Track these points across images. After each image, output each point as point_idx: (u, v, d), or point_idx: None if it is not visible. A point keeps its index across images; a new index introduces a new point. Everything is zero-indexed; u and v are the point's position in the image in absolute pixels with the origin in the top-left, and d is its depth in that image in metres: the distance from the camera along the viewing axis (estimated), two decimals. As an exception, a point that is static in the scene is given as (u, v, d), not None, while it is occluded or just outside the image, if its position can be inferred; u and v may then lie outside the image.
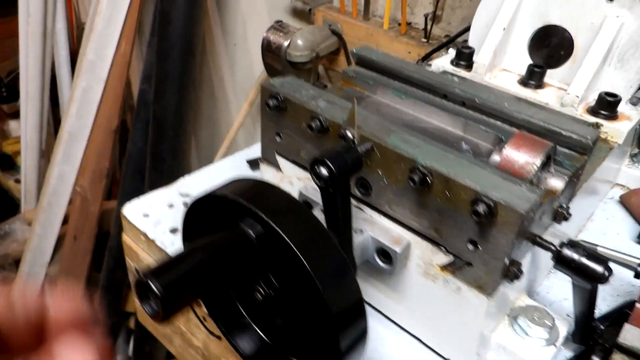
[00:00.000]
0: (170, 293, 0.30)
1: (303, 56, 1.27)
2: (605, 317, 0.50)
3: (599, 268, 0.42)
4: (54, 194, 2.01)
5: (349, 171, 0.40)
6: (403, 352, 0.49)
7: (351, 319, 0.36)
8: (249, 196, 0.36)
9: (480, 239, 0.39)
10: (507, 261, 0.39)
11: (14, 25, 2.23)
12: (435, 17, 1.23)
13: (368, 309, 0.52)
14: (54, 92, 2.29)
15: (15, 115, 2.55)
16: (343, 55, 1.38)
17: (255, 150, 0.75)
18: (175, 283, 0.30)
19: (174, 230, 0.61)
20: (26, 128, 2.21)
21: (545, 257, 0.54)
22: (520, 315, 0.48)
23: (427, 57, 1.19)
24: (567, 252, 0.43)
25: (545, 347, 0.46)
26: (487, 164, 0.43)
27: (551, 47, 0.70)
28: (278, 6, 1.59)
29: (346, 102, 0.48)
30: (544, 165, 0.44)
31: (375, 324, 0.51)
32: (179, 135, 1.63)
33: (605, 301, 0.56)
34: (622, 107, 0.66)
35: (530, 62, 0.72)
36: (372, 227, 0.45)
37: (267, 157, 0.55)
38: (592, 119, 0.64)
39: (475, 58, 0.73)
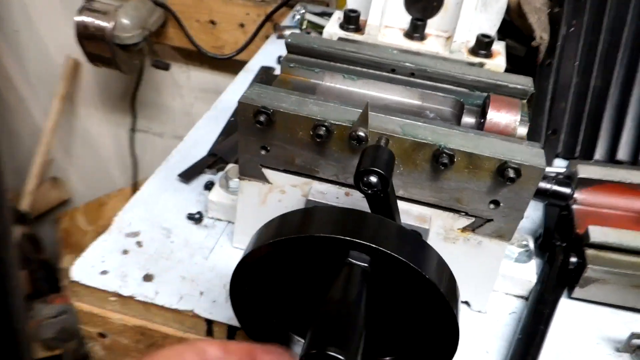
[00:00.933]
0: (354, 354, 0.29)
1: (135, 36, 1.14)
2: (553, 225, 0.63)
3: (567, 190, 0.52)
4: None
5: (391, 170, 0.41)
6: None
7: (456, 296, 0.38)
8: (339, 229, 0.35)
9: (503, 198, 0.45)
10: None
11: None
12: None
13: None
14: None
15: None
16: (172, 27, 1.27)
17: (178, 162, 0.69)
18: (358, 346, 0.29)
19: (147, 277, 0.54)
20: None
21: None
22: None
23: (269, 17, 1.18)
24: (541, 184, 0.52)
25: (529, 263, 0.57)
26: (483, 132, 0.48)
27: (424, 0, 0.78)
28: (67, -21, 1.36)
29: (331, 102, 0.48)
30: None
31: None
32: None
33: (536, 208, 0.69)
34: (494, 44, 0.78)
35: (407, 16, 0.79)
36: (395, 214, 0.48)
37: (249, 173, 0.51)
38: (476, 59, 0.75)
39: (364, 20, 0.76)
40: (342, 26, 0.77)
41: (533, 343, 0.50)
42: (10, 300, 1.55)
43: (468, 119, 0.53)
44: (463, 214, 0.48)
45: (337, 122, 0.45)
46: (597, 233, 0.53)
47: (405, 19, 0.78)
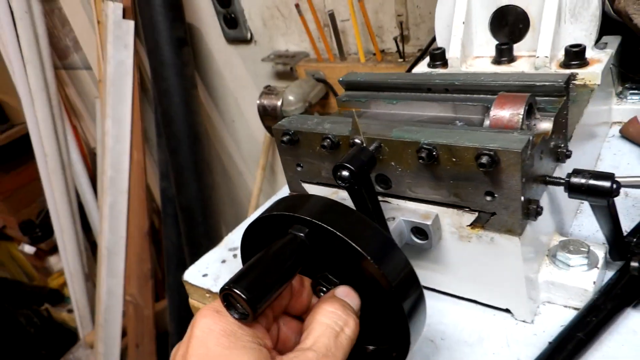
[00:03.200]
0: (254, 293, 0.36)
1: (298, 109, 1.37)
2: (635, 231, 0.54)
3: (606, 183, 0.47)
4: (107, 310, 2.08)
5: (366, 166, 0.46)
6: (464, 316, 0.54)
7: (409, 287, 0.41)
8: (290, 208, 0.42)
9: (494, 187, 0.45)
10: (522, 199, 0.44)
11: (31, 171, 2.39)
12: (404, 38, 1.32)
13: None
14: (83, 217, 2.41)
15: (53, 250, 2.68)
16: (333, 97, 1.48)
17: (278, 196, 0.82)
18: (254, 284, 0.36)
19: (233, 281, 0.67)
20: (67, 258, 2.32)
21: (567, 198, 0.59)
22: (557, 251, 0.52)
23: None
24: (575, 179, 0.48)
25: (588, 271, 0.51)
26: (480, 127, 0.49)
27: (510, 24, 0.78)
28: (261, 74, 1.72)
29: (348, 118, 0.55)
30: (529, 114, 0.50)
31: (432, 302, 0.56)
32: (208, 217, 1.71)
33: (634, 221, 0.60)
34: (590, 54, 0.72)
35: (496, 42, 0.80)
36: (402, 212, 0.51)
37: (295, 188, 0.61)
38: (567, 71, 0.71)
39: (447, 55, 0.81)
40: (429, 65, 0.83)
41: (562, 351, 0.44)
42: None
43: (487, 121, 0.53)
44: (467, 209, 0.48)
45: (339, 134, 0.53)
46: (657, 231, 0.45)
47: (493, 46, 0.79)
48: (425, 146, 0.46)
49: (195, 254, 1.73)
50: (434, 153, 0.46)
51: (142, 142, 1.90)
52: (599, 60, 0.71)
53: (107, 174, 1.92)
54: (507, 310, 0.52)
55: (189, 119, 1.65)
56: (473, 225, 0.49)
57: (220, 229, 1.83)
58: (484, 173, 0.45)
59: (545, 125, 0.50)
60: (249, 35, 1.65)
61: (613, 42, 0.80)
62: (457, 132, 0.47)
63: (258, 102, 1.44)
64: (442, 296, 0.56)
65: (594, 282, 0.49)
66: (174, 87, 1.56)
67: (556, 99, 0.53)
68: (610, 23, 0.80)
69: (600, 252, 0.52)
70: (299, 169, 0.59)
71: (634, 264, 0.47)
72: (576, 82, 0.70)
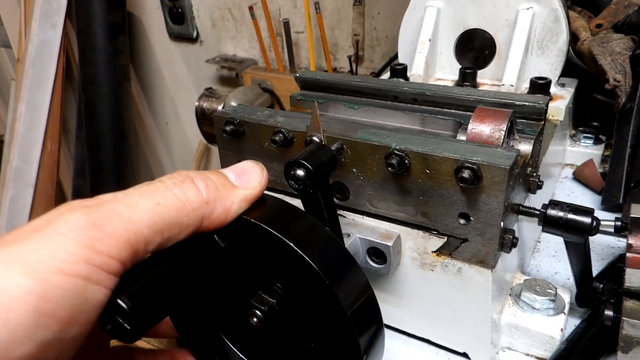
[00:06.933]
0: (139, 306, 0.26)
1: (239, 116, 1.27)
2: (601, 277, 0.50)
3: (587, 219, 0.42)
4: None
5: (326, 167, 0.38)
6: (415, 358, 0.46)
7: (368, 318, 0.33)
8: None
9: (471, 209, 0.39)
10: (502, 225, 0.38)
11: None
12: (358, 58, 1.28)
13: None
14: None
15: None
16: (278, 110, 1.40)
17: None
18: (143, 292, 0.26)
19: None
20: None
21: (528, 236, 0.54)
22: (522, 291, 0.47)
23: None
24: (553, 211, 0.43)
25: (555, 316, 0.45)
26: (457, 140, 0.43)
27: (476, 49, 0.75)
28: (204, 77, 1.61)
29: (305, 114, 0.47)
30: (509, 133, 0.44)
31: (380, 338, 0.48)
32: (123, 223, 1.55)
33: (594, 267, 0.56)
34: (554, 89, 0.70)
35: (459, 67, 0.76)
36: (359, 229, 0.44)
37: (232, 191, 0.52)
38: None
39: (409, 72, 0.76)
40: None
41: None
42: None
43: (462, 136, 0.48)
44: (434, 232, 0.42)
45: (294, 129, 0.45)
46: (635, 277, 0.41)
47: (457, 70, 0.75)
48: (396, 152, 0.39)
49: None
50: (406, 161, 0.39)
51: (59, 132, 1.71)
52: (562, 96, 0.69)
53: (13, 164, 1.71)
54: (464, 355, 0.45)
55: (116, 113, 1.50)
56: (439, 251, 0.42)
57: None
58: (461, 190, 0.38)
59: (525, 147, 0.45)
60: (195, 34, 1.54)
61: (570, 83, 0.79)
62: (433, 141, 0.40)
63: (197, 104, 1.33)
64: (392, 332, 0.48)
65: (562, 330, 0.44)
66: (102, 75, 1.41)
67: (533, 122, 0.49)
68: (568, 66, 0.79)
69: (567, 296, 0.47)
70: (240, 167, 0.50)
71: (608, 312, 0.41)
72: (539, 116, 0.67)
